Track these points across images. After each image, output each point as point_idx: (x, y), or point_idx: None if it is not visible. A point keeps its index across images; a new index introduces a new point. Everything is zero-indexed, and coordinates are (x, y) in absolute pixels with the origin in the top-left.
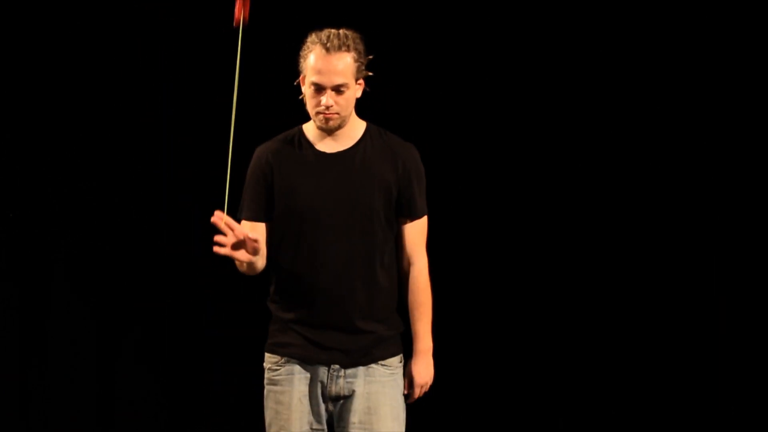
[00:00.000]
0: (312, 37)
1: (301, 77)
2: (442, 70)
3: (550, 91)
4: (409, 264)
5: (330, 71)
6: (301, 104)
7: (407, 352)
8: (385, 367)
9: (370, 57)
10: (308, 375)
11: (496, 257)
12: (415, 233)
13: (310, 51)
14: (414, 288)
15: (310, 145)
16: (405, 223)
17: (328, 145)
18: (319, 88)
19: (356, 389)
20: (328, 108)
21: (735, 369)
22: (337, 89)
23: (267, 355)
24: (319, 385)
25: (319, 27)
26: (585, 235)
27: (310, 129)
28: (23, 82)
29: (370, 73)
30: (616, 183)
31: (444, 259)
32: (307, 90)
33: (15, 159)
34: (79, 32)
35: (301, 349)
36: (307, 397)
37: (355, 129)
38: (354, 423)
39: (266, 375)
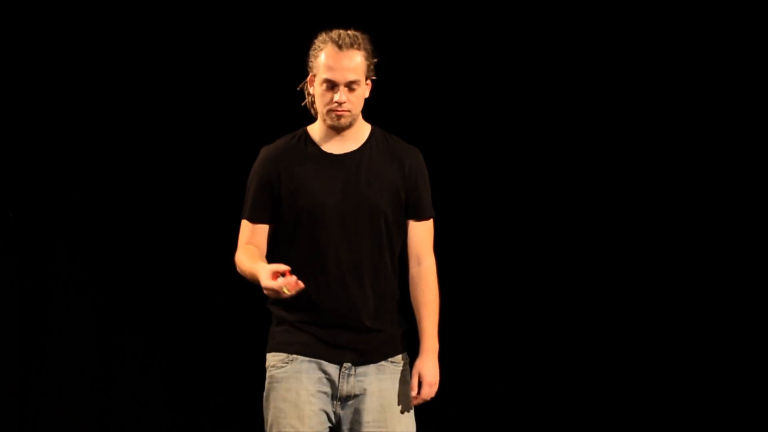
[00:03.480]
0: (322, 37)
1: (309, 77)
2: (443, 72)
3: (553, 93)
4: (417, 263)
5: (343, 68)
6: (301, 108)
7: (413, 351)
8: (395, 364)
9: (375, 60)
10: (318, 373)
11: (498, 259)
12: (422, 233)
13: (321, 49)
14: (423, 286)
15: (317, 146)
16: (413, 224)
17: (334, 147)
18: (332, 85)
19: (368, 387)
20: (340, 104)
21: (735, 369)
22: (350, 86)
23: (271, 354)
24: (330, 384)
25: (317, 30)
26: (584, 236)
27: (315, 130)
28: (23, 83)
29: (374, 77)
30: (618, 184)
31: (447, 261)
32: (318, 88)
33: (15, 158)
34: (79, 32)
35: (312, 347)
36: (317, 396)
37: (362, 131)
38: (368, 422)
39: (270, 374)
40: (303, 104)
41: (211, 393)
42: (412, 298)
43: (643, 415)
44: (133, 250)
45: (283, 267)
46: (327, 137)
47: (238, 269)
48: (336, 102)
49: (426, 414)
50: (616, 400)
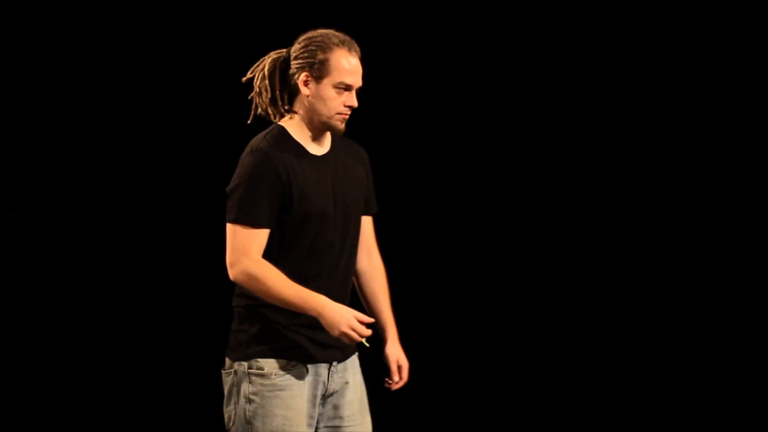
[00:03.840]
0: (321, 37)
1: (303, 76)
2: (440, 72)
3: (550, 92)
4: (368, 256)
5: (357, 72)
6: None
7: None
8: (356, 356)
9: None
10: (314, 377)
11: (498, 259)
12: (371, 227)
13: (330, 51)
14: (381, 276)
15: (302, 147)
16: (365, 219)
17: (315, 148)
18: (347, 89)
19: (349, 380)
20: (350, 108)
21: (735, 369)
22: (357, 90)
23: (265, 360)
24: (321, 385)
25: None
26: (584, 236)
27: (294, 130)
28: (23, 82)
29: None
30: (618, 184)
31: (449, 261)
32: (326, 90)
33: (15, 158)
34: (79, 32)
35: (309, 350)
36: (312, 402)
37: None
38: (349, 416)
39: (270, 381)
40: (251, 96)
41: (211, 393)
42: (366, 290)
43: (643, 415)
44: (134, 250)
45: (366, 318)
46: (308, 138)
47: (257, 286)
48: (348, 106)
49: (427, 414)
50: (616, 400)
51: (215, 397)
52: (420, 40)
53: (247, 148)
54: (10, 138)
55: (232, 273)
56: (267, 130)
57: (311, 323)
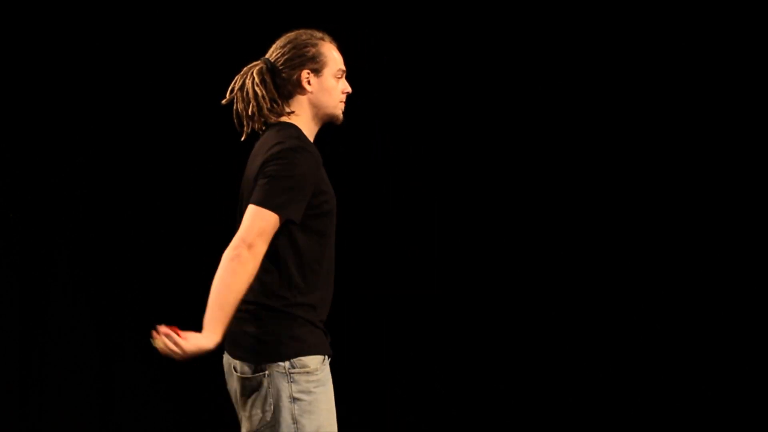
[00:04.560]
0: (304, 35)
1: (304, 74)
2: (441, 73)
3: (551, 93)
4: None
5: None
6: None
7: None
8: None
9: None
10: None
11: (498, 259)
12: None
13: (320, 45)
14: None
15: (312, 144)
16: None
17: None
18: (341, 75)
19: None
20: (346, 95)
21: (735, 369)
22: None
23: (309, 358)
24: None
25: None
26: (584, 236)
27: (304, 128)
28: (23, 82)
29: None
30: (618, 184)
31: (449, 261)
32: (329, 81)
33: (15, 158)
34: (79, 32)
35: (326, 344)
36: None
37: None
38: None
39: (316, 377)
40: (241, 113)
41: (211, 393)
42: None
43: (643, 415)
44: (133, 250)
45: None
46: (312, 135)
47: (242, 273)
48: (346, 93)
49: (427, 414)
50: (616, 400)
51: (215, 397)
52: (420, 40)
53: (281, 146)
54: (10, 138)
55: (245, 251)
56: (288, 129)
57: (323, 317)
